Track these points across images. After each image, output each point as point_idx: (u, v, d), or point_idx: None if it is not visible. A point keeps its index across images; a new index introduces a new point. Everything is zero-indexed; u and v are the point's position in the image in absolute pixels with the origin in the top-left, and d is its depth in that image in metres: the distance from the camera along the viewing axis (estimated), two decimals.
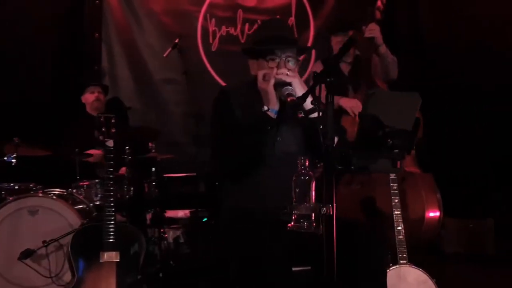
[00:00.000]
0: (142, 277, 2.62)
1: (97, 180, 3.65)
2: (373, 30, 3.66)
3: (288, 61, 2.25)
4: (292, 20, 5.01)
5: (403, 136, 1.73)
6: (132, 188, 3.64)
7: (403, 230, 2.58)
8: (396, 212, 2.58)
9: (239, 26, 4.97)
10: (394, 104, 1.76)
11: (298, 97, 2.03)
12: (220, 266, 3.57)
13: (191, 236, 4.06)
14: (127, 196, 3.63)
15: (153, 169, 3.89)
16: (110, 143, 2.75)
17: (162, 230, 3.94)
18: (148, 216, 3.99)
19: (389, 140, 1.71)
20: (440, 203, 3.52)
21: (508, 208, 4.67)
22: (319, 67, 4.19)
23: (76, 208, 3.34)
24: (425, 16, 4.95)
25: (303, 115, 2.02)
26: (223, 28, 4.95)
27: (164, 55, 4.27)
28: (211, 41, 4.94)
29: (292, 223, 1.65)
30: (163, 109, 4.67)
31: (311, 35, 5.00)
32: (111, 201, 2.64)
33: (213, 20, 4.93)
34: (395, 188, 2.63)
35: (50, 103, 4.42)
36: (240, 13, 4.96)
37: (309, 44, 4.98)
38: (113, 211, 2.62)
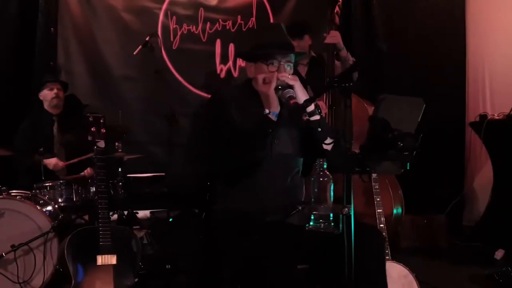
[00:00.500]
0: (139, 280, 2.57)
1: (61, 181, 3.54)
2: (334, 37, 3.83)
3: (287, 66, 2.32)
4: (252, 20, 5.05)
5: (411, 139, 1.82)
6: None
7: (385, 226, 2.70)
8: (379, 210, 2.69)
9: (200, 25, 4.94)
10: (401, 109, 1.85)
11: (306, 100, 2.09)
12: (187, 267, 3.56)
13: (155, 237, 4.01)
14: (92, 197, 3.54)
15: (119, 169, 3.82)
16: (101, 143, 2.73)
17: None
18: (114, 217, 3.92)
19: (399, 143, 1.79)
20: (402, 200, 3.71)
21: (459, 206, 5.00)
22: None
23: (44, 210, 3.23)
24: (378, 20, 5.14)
25: (308, 117, 2.09)
26: (184, 26, 4.91)
27: (134, 53, 4.18)
28: (172, 39, 4.89)
29: (311, 223, 1.70)
30: (123, 108, 4.56)
31: None
32: (106, 203, 2.58)
33: (174, 17, 4.88)
34: (377, 187, 2.74)
35: (5, 101, 4.23)
36: (201, 12, 4.94)
37: None
38: (107, 213, 2.57)
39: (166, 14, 4.86)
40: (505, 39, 4.84)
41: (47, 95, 4.00)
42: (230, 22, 5.00)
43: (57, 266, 2.98)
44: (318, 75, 4.17)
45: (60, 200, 3.53)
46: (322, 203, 1.69)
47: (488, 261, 4.06)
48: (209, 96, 4.43)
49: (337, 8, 3.91)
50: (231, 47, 4.98)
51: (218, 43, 4.98)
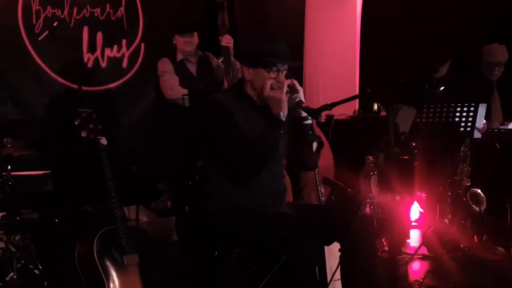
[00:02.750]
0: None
1: None
2: (229, 41, 4.09)
3: (284, 73, 2.52)
4: (121, 10, 4.86)
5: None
6: None
7: None
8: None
9: (66, 9, 4.56)
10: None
11: (321, 107, 2.34)
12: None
13: (40, 240, 3.64)
14: None
15: (9, 167, 3.37)
16: (104, 140, 2.62)
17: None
18: None
19: None
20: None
21: None
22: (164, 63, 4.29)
23: None
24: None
25: (322, 119, 2.35)
26: (49, 8, 4.47)
27: (39, 39, 3.68)
28: (34, 21, 4.41)
29: (367, 210, 1.94)
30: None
31: (140, 29, 4.94)
32: (119, 203, 2.41)
33: None
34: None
35: None
36: None
37: (138, 38, 4.93)
38: (123, 212, 2.42)
39: None
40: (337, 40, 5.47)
41: None
42: (99, 10, 4.73)
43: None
44: (207, 73, 4.33)
45: None
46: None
47: None
48: (76, 86, 4.15)
49: (225, 12, 4.15)
50: (99, 36, 4.72)
51: (85, 30, 4.67)
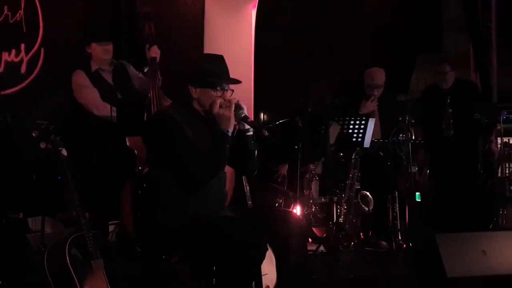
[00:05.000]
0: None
1: None
2: (156, 53, 4.16)
3: (228, 92, 2.79)
4: (21, 13, 4.67)
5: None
6: None
7: None
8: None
9: None
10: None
11: (259, 121, 2.66)
12: None
13: None
14: None
15: None
16: (64, 151, 2.77)
17: None
18: None
19: None
20: None
21: None
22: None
23: None
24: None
25: (268, 133, 2.67)
26: None
27: None
28: None
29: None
30: None
31: (40, 33, 4.78)
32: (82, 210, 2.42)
33: None
34: None
35: None
36: None
37: (38, 42, 4.77)
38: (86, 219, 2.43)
39: None
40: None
41: None
42: None
43: None
44: (124, 81, 4.36)
45: None
46: None
47: None
48: None
49: (152, 22, 4.23)
50: None
51: None
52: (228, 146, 2.68)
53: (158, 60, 4.16)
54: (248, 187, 3.61)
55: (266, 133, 2.73)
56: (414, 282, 3.67)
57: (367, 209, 4.60)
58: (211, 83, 2.72)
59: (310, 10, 5.92)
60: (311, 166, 3.89)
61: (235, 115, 2.72)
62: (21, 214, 4.29)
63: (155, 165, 2.78)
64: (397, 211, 4.70)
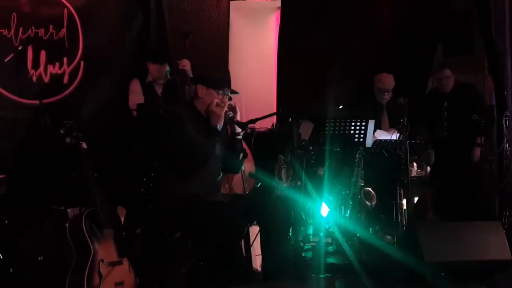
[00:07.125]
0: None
1: None
2: (185, 65, 4.76)
3: (227, 97, 3.38)
4: (63, 31, 5.35)
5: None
6: None
7: None
8: None
9: (13, 29, 5.02)
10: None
11: (247, 121, 3.33)
12: None
13: None
14: None
15: None
16: (84, 145, 3.46)
17: None
18: None
19: None
20: None
21: None
22: None
23: None
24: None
25: (250, 131, 3.20)
26: None
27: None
28: None
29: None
30: None
31: (80, 48, 5.45)
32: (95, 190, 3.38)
33: None
34: None
35: None
36: (14, 16, 5.02)
37: (78, 56, 5.43)
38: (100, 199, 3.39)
39: None
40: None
41: None
42: (43, 30, 5.22)
43: None
44: (172, 95, 4.96)
45: None
46: None
47: None
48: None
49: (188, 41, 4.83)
50: (43, 54, 5.21)
51: (29, 49, 5.14)
52: (217, 139, 3.26)
53: (188, 71, 4.76)
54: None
55: (249, 130, 3.28)
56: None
57: (369, 204, 4.90)
58: (217, 85, 3.34)
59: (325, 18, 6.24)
60: (281, 157, 4.35)
61: (225, 115, 3.30)
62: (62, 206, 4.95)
63: (160, 153, 3.41)
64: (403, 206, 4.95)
